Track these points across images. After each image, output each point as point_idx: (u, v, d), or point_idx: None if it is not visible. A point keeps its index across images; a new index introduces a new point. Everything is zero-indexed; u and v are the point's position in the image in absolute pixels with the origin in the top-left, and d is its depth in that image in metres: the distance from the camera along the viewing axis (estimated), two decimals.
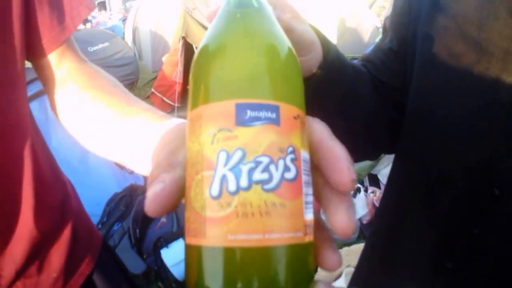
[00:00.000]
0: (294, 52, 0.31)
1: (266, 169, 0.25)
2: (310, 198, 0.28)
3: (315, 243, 0.29)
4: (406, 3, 0.68)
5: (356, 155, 0.64)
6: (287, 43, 0.30)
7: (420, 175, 0.64)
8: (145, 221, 2.64)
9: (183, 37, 5.22)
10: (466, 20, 0.55)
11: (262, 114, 0.26)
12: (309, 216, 0.27)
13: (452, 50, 0.56)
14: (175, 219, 2.54)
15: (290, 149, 0.26)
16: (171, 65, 5.36)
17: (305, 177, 0.27)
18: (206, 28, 4.12)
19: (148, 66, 7.63)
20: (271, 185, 0.25)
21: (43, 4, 0.70)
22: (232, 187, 0.25)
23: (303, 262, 0.27)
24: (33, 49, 0.71)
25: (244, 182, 0.25)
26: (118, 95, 0.70)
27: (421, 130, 0.63)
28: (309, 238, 0.27)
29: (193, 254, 0.26)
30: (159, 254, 2.38)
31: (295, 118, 0.27)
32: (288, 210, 0.25)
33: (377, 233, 0.80)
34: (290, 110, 0.27)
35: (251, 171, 0.25)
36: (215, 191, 0.25)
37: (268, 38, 0.30)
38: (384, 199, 0.77)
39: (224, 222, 0.24)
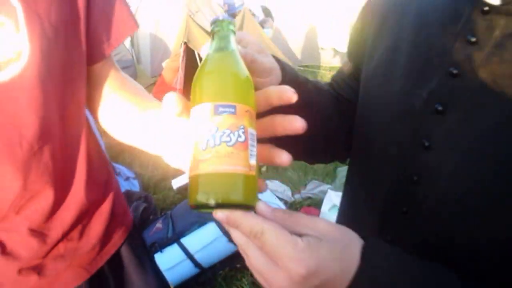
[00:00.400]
0: (250, 77, 0.55)
1: (228, 135, 0.49)
2: (254, 152, 0.52)
3: (271, 156, 0.57)
4: (358, 34, 0.88)
5: (318, 156, 0.92)
6: (245, 71, 0.55)
7: (363, 168, 0.83)
8: (140, 226, 2.73)
9: (185, 43, 5.29)
10: (395, 48, 0.75)
11: (227, 109, 0.51)
12: (253, 162, 0.51)
13: (382, 70, 0.77)
14: (170, 225, 2.62)
15: (241, 127, 0.50)
16: (172, 71, 5.45)
17: (250, 142, 0.51)
18: (208, 33, 4.22)
19: (146, 71, 7.66)
20: (231, 143, 0.49)
21: (98, 23, 0.92)
22: (211, 144, 0.49)
23: (250, 186, 0.51)
24: (87, 58, 0.93)
25: (217, 141, 0.49)
26: (141, 95, 0.99)
27: (362, 132, 0.83)
28: (252, 173, 0.51)
29: (192, 181, 0.51)
30: (153, 258, 2.46)
31: (246, 111, 0.52)
32: (240, 156, 0.49)
33: (339, 217, 0.99)
34: (243, 107, 0.52)
35: (221, 136, 0.49)
36: (203, 146, 0.50)
37: (233, 69, 0.55)
38: (344, 189, 0.96)
39: (208, 161, 0.49)
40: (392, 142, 0.72)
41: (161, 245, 2.49)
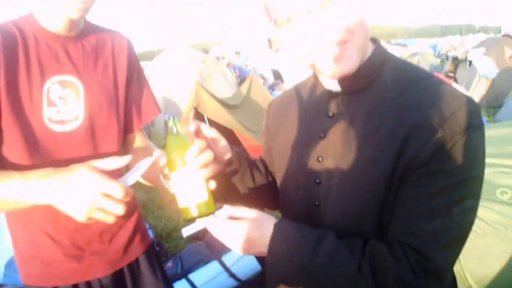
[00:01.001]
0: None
1: (192, 185, 1.02)
2: (205, 187, 1.03)
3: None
4: (266, 126, 1.32)
5: (268, 205, 1.36)
6: (189, 144, 1.02)
7: (286, 203, 1.22)
8: None
9: (195, 108, 5.83)
10: (290, 130, 1.17)
11: (185, 172, 1.01)
12: (207, 193, 1.03)
13: (285, 145, 1.19)
14: (179, 264, 3.10)
15: (196, 178, 1.02)
16: None
17: (202, 184, 1.02)
18: (216, 99, 4.76)
19: (160, 132, 7.98)
20: (195, 188, 1.02)
21: (133, 106, 1.51)
22: (187, 190, 1.02)
23: (210, 204, 1.03)
24: (124, 128, 1.49)
25: (189, 188, 1.02)
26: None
27: (281, 183, 1.22)
28: (209, 198, 1.03)
29: (184, 208, 1.03)
30: (166, 273, 2.90)
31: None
32: (200, 193, 1.02)
33: None
34: (191, 167, 1.01)
35: (189, 186, 1.02)
36: (183, 191, 1.02)
37: (184, 145, 1.02)
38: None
39: (188, 197, 1.02)
40: (298, 186, 1.12)
41: (171, 280, 2.91)
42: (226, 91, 9.41)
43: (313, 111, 1.13)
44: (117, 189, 0.96)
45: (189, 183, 1.01)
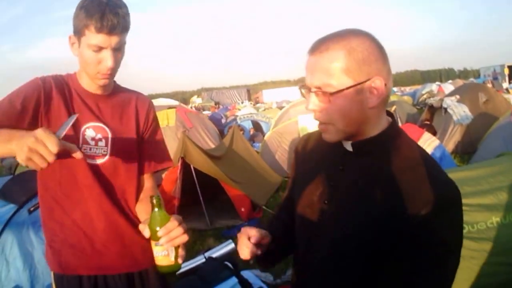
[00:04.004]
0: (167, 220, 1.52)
1: (164, 250, 1.50)
2: (173, 253, 1.51)
3: None
4: (295, 159, 1.61)
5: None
6: (166, 220, 1.49)
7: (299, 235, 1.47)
8: None
9: (182, 157, 6.32)
10: (307, 173, 1.46)
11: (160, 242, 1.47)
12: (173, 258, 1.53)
13: (301, 183, 1.46)
14: None
15: (165, 247, 1.49)
16: (170, 182, 6.42)
17: (170, 252, 1.51)
18: (202, 150, 5.36)
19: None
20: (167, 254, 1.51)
21: (146, 151, 2.03)
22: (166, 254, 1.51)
23: (175, 267, 1.53)
24: (140, 170, 2.03)
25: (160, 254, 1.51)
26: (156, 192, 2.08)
27: (297, 217, 1.47)
28: (175, 263, 1.53)
29: (158, 266, 1.53)
30: None
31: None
32: (167, 258, 1.51)
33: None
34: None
35: (160, 251, 1.50)
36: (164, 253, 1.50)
37: (162, 222, 1.47)
38: None
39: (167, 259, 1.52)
40: (307, 219, 1.39)
41: None
42: (209, 142, 9.98)
43: (327, 162, 1.40)
44: (52, 140, 1.22)
45: (162, 252, 1.44)
